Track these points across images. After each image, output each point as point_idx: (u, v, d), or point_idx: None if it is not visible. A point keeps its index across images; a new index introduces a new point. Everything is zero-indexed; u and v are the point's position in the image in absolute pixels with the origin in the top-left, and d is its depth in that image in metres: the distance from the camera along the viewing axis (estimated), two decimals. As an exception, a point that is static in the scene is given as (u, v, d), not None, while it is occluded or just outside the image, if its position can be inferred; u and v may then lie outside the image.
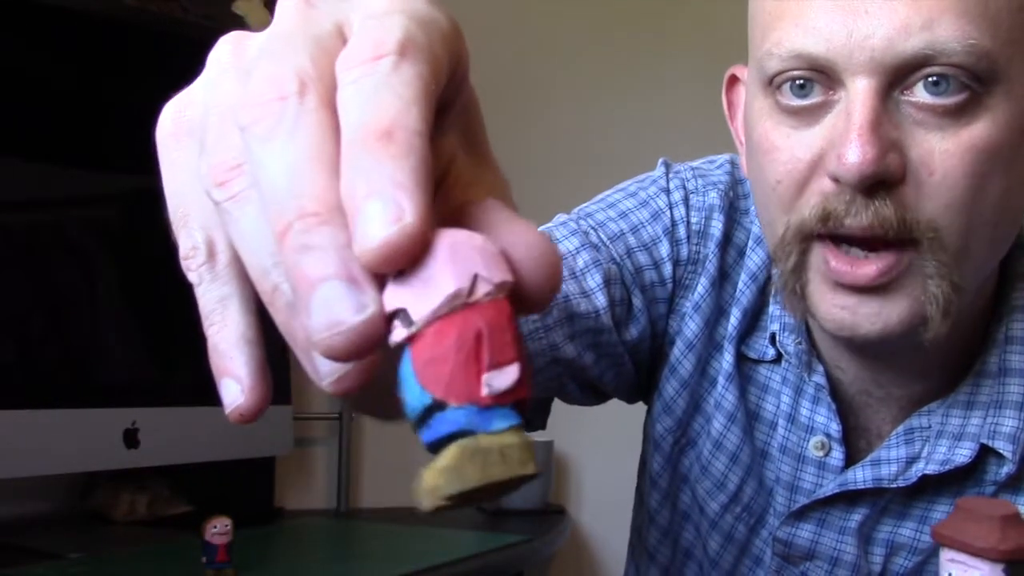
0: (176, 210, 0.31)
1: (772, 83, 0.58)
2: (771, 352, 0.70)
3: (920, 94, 0.55)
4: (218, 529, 1.02)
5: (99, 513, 1.39)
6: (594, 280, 0.69)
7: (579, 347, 0.69)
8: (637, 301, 0.71)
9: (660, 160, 0.77)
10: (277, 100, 0.27)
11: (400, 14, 0.28)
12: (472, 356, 0.25)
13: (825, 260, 0.58)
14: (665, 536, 0.78)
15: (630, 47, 1.84)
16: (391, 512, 1.68)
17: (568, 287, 0.68)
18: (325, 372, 0.28)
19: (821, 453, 0.67)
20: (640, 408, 0.84)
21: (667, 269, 0.72)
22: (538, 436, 1.66)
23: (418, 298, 0.25)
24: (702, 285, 0.71)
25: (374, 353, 0.27)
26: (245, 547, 1.10)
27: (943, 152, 0.55)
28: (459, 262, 0.25)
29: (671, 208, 0.72)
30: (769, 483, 0.71)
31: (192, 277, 0.31)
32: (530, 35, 1.87)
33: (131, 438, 1.29)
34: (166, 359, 1.40)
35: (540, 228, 0.73)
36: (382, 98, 0.26)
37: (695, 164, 0.76)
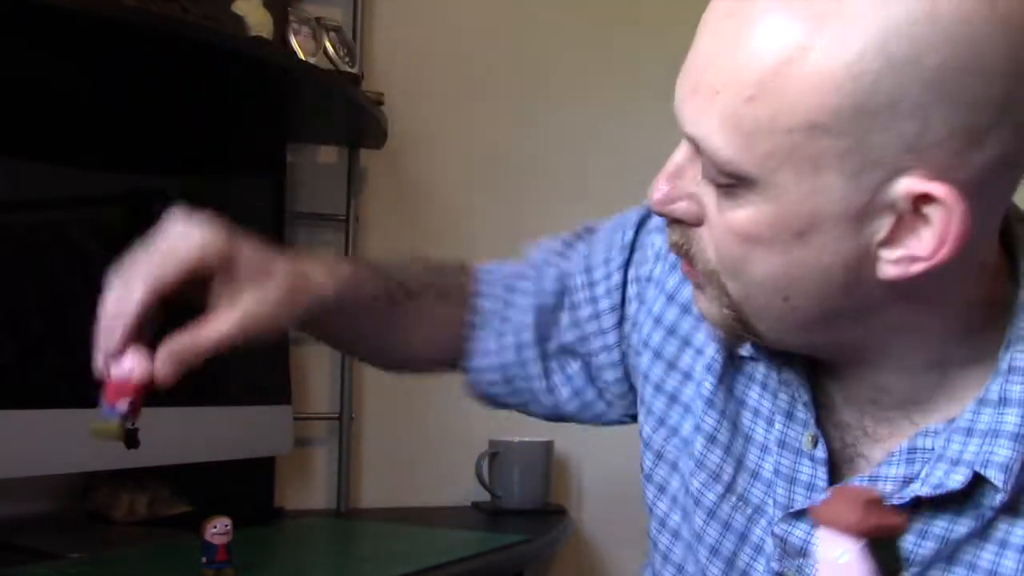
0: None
1: None
2: (755, 351, 0.74)
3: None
4: (218, 529, 1.02)
5: (99, 513, 1.39)
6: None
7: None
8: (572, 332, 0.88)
9: None
10: None
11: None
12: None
13: None
14: (662, 526, 0.82)
15: (636, 50, 1.84)
16: (391, 512, 1.68)
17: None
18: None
19: (812, 447, 0.70)
20: (640, 408, 0.84)
21: (612, 286, 0.85)
22: (538, 436, 1.66)
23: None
24: (661, 301, 0.81)
25: None
26: (245, 547, 1.10)
27: (713, 220, 0.63)
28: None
29: (625, 232, 0.86)
30: (768, 475, 0.73)
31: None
32: (533, 37, 1.87)
33: (131, 438, 1.29)
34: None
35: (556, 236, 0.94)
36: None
37: None
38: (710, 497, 0.75)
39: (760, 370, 0.74)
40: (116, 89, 1.38)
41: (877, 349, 0.66)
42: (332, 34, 1.61)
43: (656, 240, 0.83)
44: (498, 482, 1.67)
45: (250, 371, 1.48)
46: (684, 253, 0.66)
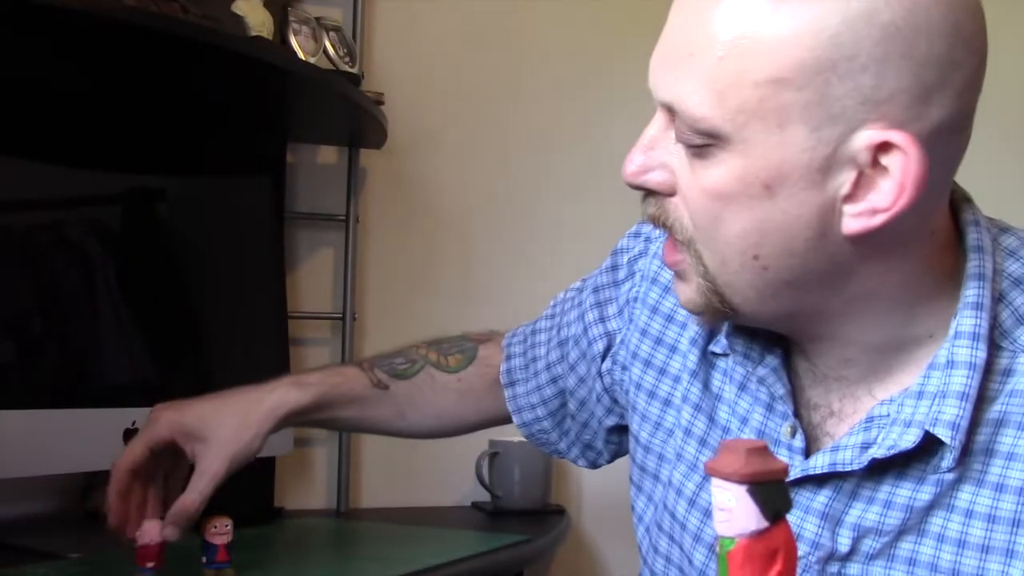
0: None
1: None
2: (730, 350, 0.78)
3: (679, 133, 0.66)
4: (218, 529, 1.02)
5: (99, 513, 1.39)
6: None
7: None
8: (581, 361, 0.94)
9: None
10: None
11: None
12: None
13: None
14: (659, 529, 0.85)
15: (636, 51, 1.84)
16: (391, 512, 1.68)
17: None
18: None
19: (790, 437, 0.73)
20: (640, 408, 0.85)
21: (611, 309, 0.90)
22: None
23: None
24: (645, 315, 0.86)
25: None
26: (245, 547, 1.10)
27: (686, 183, 0.67)
28: None
29: (617, 268, 0.92)
30: None
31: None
32: (533, 37, 1.87)
33: (131, 438, 1.29)
34: (166, 359, 1.40)
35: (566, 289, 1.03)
36: None
37: None
38: (690, 487, 0.80)
39: (734, 364, 0.77)
40: (116, 89, 1.38)
41: (845, 319, 0.69)
42: (332, 34, 1.61)
43: (644, 264, 0.89)
44: (498, 482, 1.67)
45: (250, 371, 1.48)
46: (662, 224, 0.70)
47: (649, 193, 0.69)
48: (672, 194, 0.68)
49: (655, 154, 0.68)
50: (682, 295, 0.72)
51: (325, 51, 1.57)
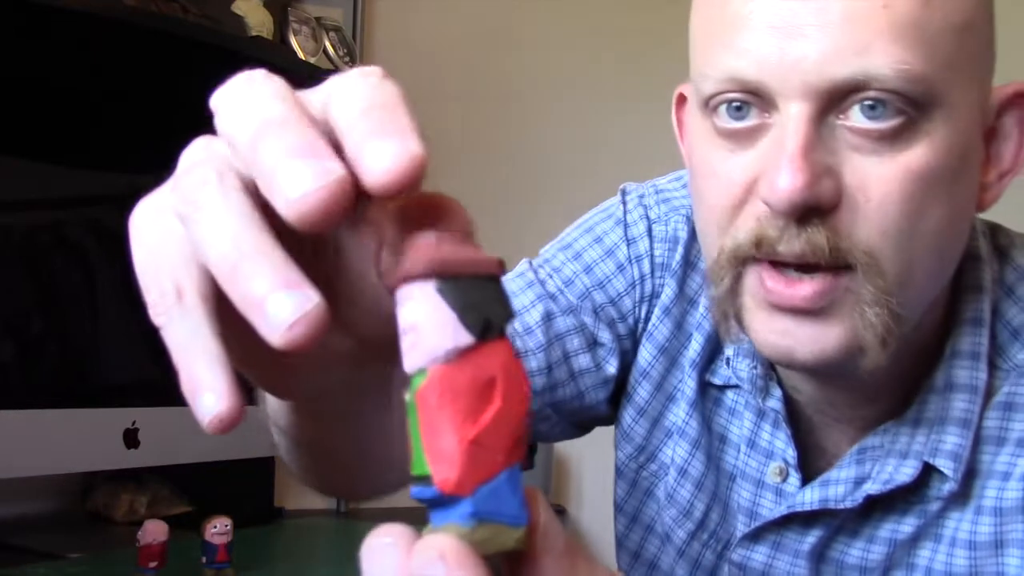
0: (145, 274, 0.34)
1: (708, 105, 0.57)
2: (733, 376, 0.69)
3: (856, 118, 0.53)
4: (218, 529, 1.02)
5: (99, 513, 1.39)
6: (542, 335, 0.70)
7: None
8: (605, 337, 0.72)
9: (620, 188, 0.76)
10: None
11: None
12: None
13: (760, 281, 0.56)
14: (635, 559, 0.77)
15: (637, 51, 1.84)
16: (391, 512, 1.68)
17: (524, 343, 0.69)
18: (279, 320, 0.28)
19: (779, 479, 0.66)
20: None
21: (626, 304, 0.72)
22: (538, 436, 1.66)
23: None
24: (656, 315, 0.71)
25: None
26: (245, 547, 1.10)
27: (879, 177, 0.53)
28: None
29: (628, 243, 0.73)
30: (733, 507, 0.70)
31: (161, 321, 0.32)
32: (533, 37, 1.88)
33: (131, 438, 1.29)
34: (166, 359, 1.40)
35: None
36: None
37: (661, 185, 0.75)
38: (680, 534, 0.72)
39: (738, 399, 0.70)
40: (116, 89, 1.38)
41: (917, 342, 0.61)
42: (332, 34, 1.61)
43: (655, 250, 0.74)
44: (498, 482, 1.67)
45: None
46: (829, 252, 0.54)
47: (807, 215, 0.53)
48: (837, 204, 0.53)
49: (817, 159, 0.53)
50: (828, 340, 0.55)
51: (325, 51, 1.58)
